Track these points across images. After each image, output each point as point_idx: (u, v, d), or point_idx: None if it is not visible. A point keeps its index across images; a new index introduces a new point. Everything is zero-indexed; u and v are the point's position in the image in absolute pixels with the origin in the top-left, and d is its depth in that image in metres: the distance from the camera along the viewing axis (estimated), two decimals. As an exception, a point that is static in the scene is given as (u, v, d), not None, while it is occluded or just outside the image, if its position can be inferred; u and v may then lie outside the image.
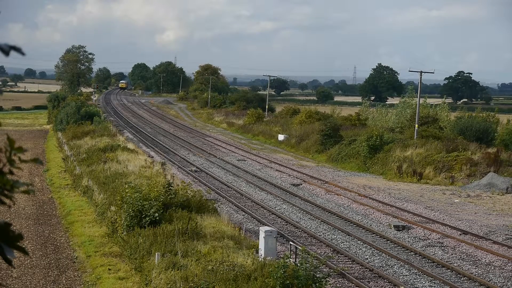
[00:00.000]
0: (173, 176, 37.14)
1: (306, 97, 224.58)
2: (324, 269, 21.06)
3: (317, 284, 16.71)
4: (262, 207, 33.37)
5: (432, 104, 77.03)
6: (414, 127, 52.58)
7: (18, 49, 2.58)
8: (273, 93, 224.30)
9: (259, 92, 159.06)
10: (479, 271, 22.92)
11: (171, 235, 21.34)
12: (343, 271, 21.33)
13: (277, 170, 46.79)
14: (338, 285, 20.50)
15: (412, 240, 27.39)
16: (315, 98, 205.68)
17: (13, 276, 20.53)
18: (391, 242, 26.79)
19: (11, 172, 2.60)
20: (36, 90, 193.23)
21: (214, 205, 28.12)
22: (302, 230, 28.24)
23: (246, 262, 18.65)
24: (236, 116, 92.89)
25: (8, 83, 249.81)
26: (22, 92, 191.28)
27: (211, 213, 26.08)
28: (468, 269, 23.17)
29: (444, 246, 26.39)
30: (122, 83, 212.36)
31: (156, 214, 22.97)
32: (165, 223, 22.72)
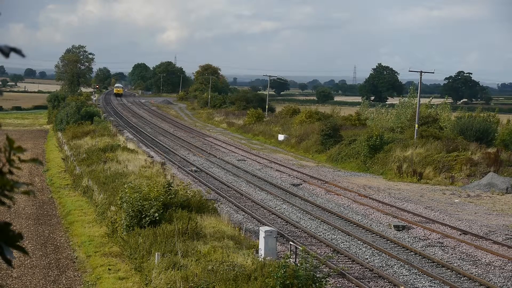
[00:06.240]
0: (173, 176, 37.14)
1: (306, 97, 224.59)
2: (324, 269, 21.05)
3: (317, 284, 16.70)
4: (262, 207, 33.36)
5: (433, 105, 76.97)
6: (414, 127, 52.58)
7: (18, 51, 2.58)
8: (273, 93, 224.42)
9: (259, 92, 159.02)
10: (479, 271, 22.91)
11: (171, 235, 21.33)
12: (343, 271, 21.33)
13: (277, 170, 46.78)
14: (338, 285, 20.50)
15: (412, 240, 27.38)
16: (315, 98, 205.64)
17: (13, 276, 20.52)
18: (391, 242, 26.79)
19: (11, 172, 2.60)
20: (36, 90, 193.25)
21: (214, 205, 28.11)
22: (302, 230, 28.24)
23: (246, 262, 18.63)
24: (236, 116, 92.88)
25: (8, 83, 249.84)
26: (22, 92, 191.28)
27: (211, 213, 26.07)
28: (468, 269, 23.17)
29: (444, 246, 26.39)
30: (117, 88, 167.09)
31: (156, 214, 22.96)
32: (165, 223, 22.70)
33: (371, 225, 29.98)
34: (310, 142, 60.39)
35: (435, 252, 25.50)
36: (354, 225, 29.88)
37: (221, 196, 35.43)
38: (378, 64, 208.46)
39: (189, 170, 44.90)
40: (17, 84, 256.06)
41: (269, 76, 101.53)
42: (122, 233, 23.44)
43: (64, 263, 22.43)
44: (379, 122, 73.90)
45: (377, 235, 27.97)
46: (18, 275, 20.66)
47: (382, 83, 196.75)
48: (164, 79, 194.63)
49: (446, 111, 72.61)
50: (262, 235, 21.56)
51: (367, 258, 24.06)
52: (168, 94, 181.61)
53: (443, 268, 23.22)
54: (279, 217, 30.88)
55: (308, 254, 18.82)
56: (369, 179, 44.92)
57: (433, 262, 23.94)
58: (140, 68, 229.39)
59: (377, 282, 21.23)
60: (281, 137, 67.57)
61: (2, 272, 20.57)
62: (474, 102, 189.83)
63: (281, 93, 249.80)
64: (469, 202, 36.63)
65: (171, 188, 25.88)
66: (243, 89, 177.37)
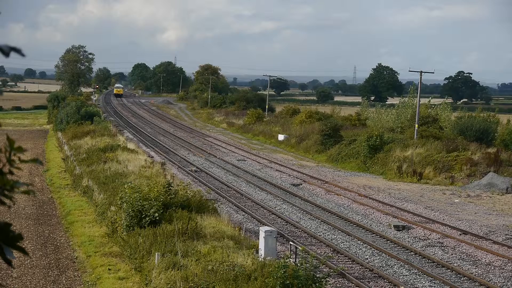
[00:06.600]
0: (173, 176, 37.13)
1: (306, 97, 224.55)
2: (324, 269, 21.06)
3: (317, 284, 16.71)
4: (262, 207, 33.37)
5: (433, 105, 76.92)
6: (414, 127, 52.58)
7: (18, 51, 2.58)
8: (273, 93, 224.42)
9: (259, 92, 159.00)
10: (479, 271, 22.92)
11: (171, 235, 21.33)
12: (343, 271, 21.33)
13: (277, 170, 46.78)
14: (338, 285, 20.51)
15: (412, 240, 27.39)
16: (315, 98, 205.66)
17: (13, 276, 20.52)
18: (391, 242, 26.79)
19: (11, 172, 2.60)
20: (36, 90, 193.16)
21: (214, 205, 28.11)
22: (302, 230, 28.24)
23: (246, 262, 18.64)
24: (236, 116, 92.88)
25: (8, 83, 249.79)
26: (22, 92, 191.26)
27: (211, 213, 26.07)
28: (468, 269, 23.17)
29: (444, 246, 26.39)
30: (117, 89, 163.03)
31: (156, 214, 22.96)
32: (165, 223, 22.70)
33: (371, 225, 29.98)
34: (310, 142, 60.40)
35: (435, 252, 25.50)
36: (354, 225, 29.88)
37: (221, 196, 35.43)
38: (378, 64, 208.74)
39: (189, 170, 44.90)
40: (17, 84, 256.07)
41: (269, 76, 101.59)
42: (122, 233, 23.45)
43: (64, 263, 22.43)
44: (379, 122, 73.87)
45: (377, 235, 27.97)
46: (18, 275, 20.66)
47: (382, 83, 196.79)
48: (164, 79, 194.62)
49: (446, 111, 72.58)
50: (262, 235, 21.56)
51: (367, 258, 24.06)
52: (168, 94, 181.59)
53: (443, 268, 23.23)
54: (279, 217, 30.88)
55: (308, 254, 18.84)
56: (369, 179, 44.93)
57: (433, 262, 23.94)
58: (140, 68, 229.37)
59: (377, 282, 21.23)
60: (281, 137, 67.58)
61: (2, 272, 20.57)
62: (474, 102, 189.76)
63: (281, 93, 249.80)
64: (469, 202, 36.63)
65: (171, 188, 25.89)
66: (243, 89, 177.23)
